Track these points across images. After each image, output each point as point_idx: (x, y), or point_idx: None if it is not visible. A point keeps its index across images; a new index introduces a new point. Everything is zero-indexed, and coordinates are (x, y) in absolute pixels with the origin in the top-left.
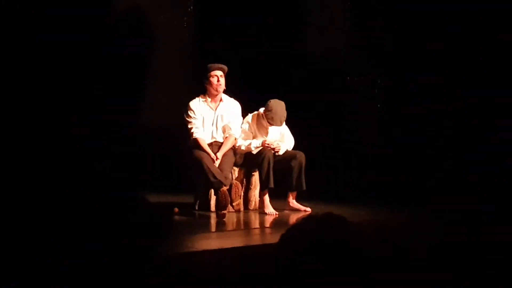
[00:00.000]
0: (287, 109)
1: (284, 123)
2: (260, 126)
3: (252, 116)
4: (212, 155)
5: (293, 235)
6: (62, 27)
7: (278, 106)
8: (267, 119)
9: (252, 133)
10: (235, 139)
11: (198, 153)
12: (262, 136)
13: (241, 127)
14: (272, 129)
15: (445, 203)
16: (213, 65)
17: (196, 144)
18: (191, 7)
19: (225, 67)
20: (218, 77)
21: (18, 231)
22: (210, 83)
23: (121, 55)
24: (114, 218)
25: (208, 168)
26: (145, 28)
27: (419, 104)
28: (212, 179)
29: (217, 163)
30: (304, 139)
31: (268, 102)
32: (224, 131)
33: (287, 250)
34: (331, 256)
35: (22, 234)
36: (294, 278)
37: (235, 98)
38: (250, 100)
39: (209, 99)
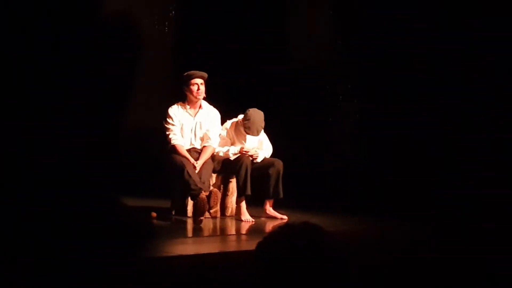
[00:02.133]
0: (265, 117)
1: (262, 131)
2: (239, 133)
3: (231, 123)
4: (192, 160)
5: (269, 243)
6: (48, 32)
7: (257, 115)
8: (244, 127)
9: (230, 139)
10: (214, 149)
11: (180, 159)
12: (241, 143)
13: (219, 134)
14: (250, 136)
15: (422, 216)
16: (194, 72)
17: (175, 150)
18: (173, 12)
19: (205, 75)
20: (198, 85)
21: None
22: (191, 90)
23: (107, 59)
24: (93, 220)
25: (189, 175)
26: (130, 33)
27: (398, 113)
28: (193, 186)
29: (196, 171)
30: (282, 147)
31: (247, 111)
32: (202, 140)
33: (263, 258)
34: (306, 264)
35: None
36: (271, 285)
37: (215, 104)
38: (229, 106)
39: (188, 106)
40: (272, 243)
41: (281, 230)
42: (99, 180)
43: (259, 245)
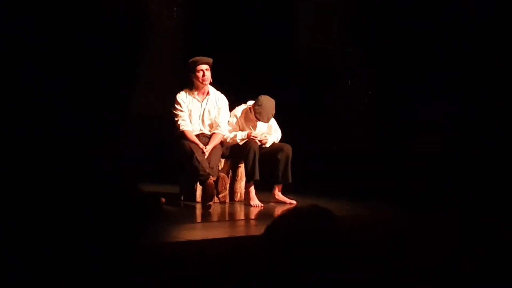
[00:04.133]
0: (276, 103)
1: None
2: (248, 120)
3: (241, 110)
4: (201, 145)
5: (278, 225)
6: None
7: (268, 102)
8: (255, 112)
9: (240, 126)
10: (223, 136)
11: (188, 144)
12: (250, 130)
13: (228, 121)
14: (260, 123)
15: (433, 202)
16: (198, 59)
17: (183, 136)
18: None
19: (210, 60)
20: (203, 71)
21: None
22: (196, 77)
23: (114, 44)
24: (105, 204)
25: (198, 160)
26: (138, 17)
27: (408, 98)
28: (201, 171)
29: (205, 156)
30: (291, 132)
31: (259, 97)
32: (211, 126)
33: (272, 241)
34: (314, 247)
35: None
36: (279, 268)
37: (223, 90)
38: (238, 92)
39: (195, 92)
40: (281, 225)
41: (290, 213)
42: (114, 166)
43: (268, 228)
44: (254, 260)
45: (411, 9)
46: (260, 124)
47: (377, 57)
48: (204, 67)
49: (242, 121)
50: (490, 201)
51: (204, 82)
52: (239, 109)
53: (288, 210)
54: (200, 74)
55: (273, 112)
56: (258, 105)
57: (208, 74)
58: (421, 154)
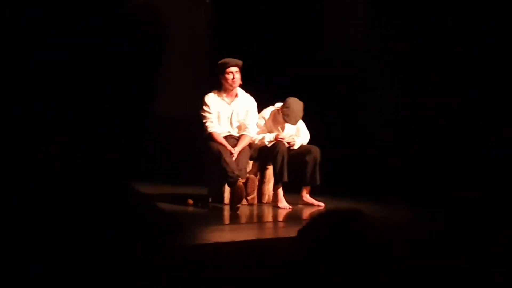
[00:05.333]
0: (305, 106)
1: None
2: (276, 122)
3: (270, 112)
4: (230, 147)
5: (313, 227)
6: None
7: (296, 104)
8: (283, 114)
9: (268, 128)
10: (251, 138)
11: (217, 146)
12: (278, 132)
13: (256, 123)
14: (288, 125)
15: (461, 202)
16: (228, 61)
17: (212, 138)
18: None
19: (240, 62)
20: (233, 74)
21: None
22: (226, 79)
23: (135, 47)
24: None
25: (227, 162)
26: (159, 20)
27: (434, 101)
28: (230, 173)
29: (233, 158)
30: (319, 134)
31: (287, 99)
32: (239, 128)
33: (307, 242)
34: (349, 250)
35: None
36: (313, 270)
37: (251, 91)
38: (266, 94)
39: (224, 94)
40: (316, 227)
41: (324, 215)
42: (125, 177)
43: (303, 229)
44: (284, 263)
45: (441, 12)
46: (288, 126)
47: (406, 61)
48: (234, 69)
49: (270, 123)
50: None
51: (233, 85)
52: (267, 111)
53: (322, 212)
54: (230, 76)
55: (301, 115)
56: (286, 107)
57: (237, 76)
58: (452, 156)
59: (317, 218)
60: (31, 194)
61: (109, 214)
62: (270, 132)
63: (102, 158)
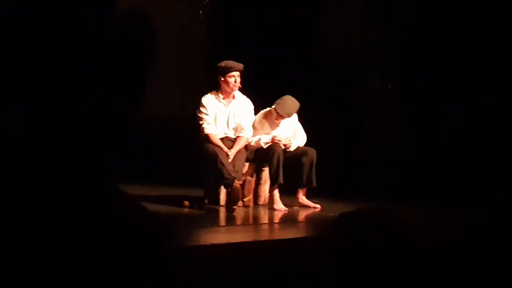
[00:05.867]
0: (301, 106)
1: (296, 119)
2: (272, 122)
3: (264, 113)
4: (226, 149)
5: (343, 229)
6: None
7: (289, 99)
8: (275, 108)
9: (264, 129)
10: (247, 139)
11: (213, 148)
12: (274, 131)
13: (253, 124)
14: (284, 125)
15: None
16: (232, 65)
17: (208, 139)
18: (207, 0)
19: (242, 66)
20: (235, 78)
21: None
22: (227, 82)
23: (126, 48)
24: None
25: (223, 164)
26: (156, 21)
27: (432, 101)
28: (226, 175)
29: (229, 160)
30: (316, 136)
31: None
32: (236, 130)
33: (346, 239)
34: (381, 252)
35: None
36: (351, 269)
37: (249, 94)
38: (263, 96)
39: (221, 96)
40: (348, 229)
41: (354, 216)
42: (113, 179)
43: (334, 232)
44: (279, 264)
45: (438, 13)
46: (284, 127)
47: (401, 61)
48: (237, 73)
49: (266, 124)
50: None
51: (234, 88)
52: (263, 112)
53: (351, 213)
54: (232, 80)
55: (294, 110)
56: (279, 101)
57: (239, 80)
58: (449, 157)
59: (354, 217)
60: (8, 195)
61: (93, 216)
62: (266, 133)
63: (90, 159)
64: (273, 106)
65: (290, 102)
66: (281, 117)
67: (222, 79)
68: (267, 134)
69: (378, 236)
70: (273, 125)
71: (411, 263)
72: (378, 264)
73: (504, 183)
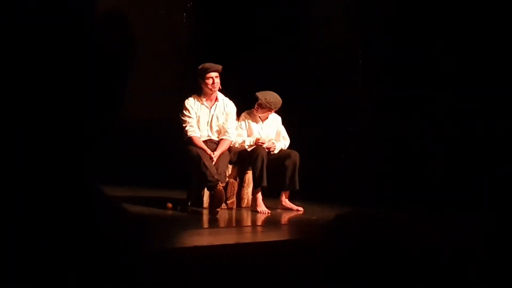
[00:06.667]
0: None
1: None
2: (256, 122)
3: (246, 113)
4: (209, 151)
5: (339, 234)
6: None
7: (273, 93)
8: (259, 96)
9: (247, 130)
10: (231, 142)
11: (196, 150)
12: (257, 133)
13: (236, 126)
14: (267, 127)
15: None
16: (208, 66)
17: (191, 142)
18: (190, 3)
19: (220, 67)
20: (213, 79)
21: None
22: (206, 83)
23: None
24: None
25: (206, 166)
26: (139, 22)
27: (417, 104)
28: (209, 177)
29: (213, 162)
30: (299, 139)
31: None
32: (219, 132)
33: (337, 248)
34: (378, 256)
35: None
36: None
37: (232, 97)
38: (246, 98)
39: (204, 99)
40: (346, 227)
41: (351, 217)
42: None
43: (330, 236)
44: (262, 267)
45: (422, 12)
46: (268, 129)
47: (386, 62)
48: (214, 74)
49: (249, 124)
50: None
51: (213, 89)
52: (246, 113)
53: (345, 215)
54: (210, 81)
55: (275, 101)
56: (262, 92)
57: (217, 81)
58: (432, 158)
59: (344, 220)
60: None
61: (68, 215)
62: (249, 134)
63: (71, 160)
64: (258, 96)
65: (271, 93)
66: (264, 108)
67: (201, 81)
68: (250, 135)
69: (371, 238)
70: (256, 125)
71: (404, 264)
72: (373, 265)
73: (497, 185)
